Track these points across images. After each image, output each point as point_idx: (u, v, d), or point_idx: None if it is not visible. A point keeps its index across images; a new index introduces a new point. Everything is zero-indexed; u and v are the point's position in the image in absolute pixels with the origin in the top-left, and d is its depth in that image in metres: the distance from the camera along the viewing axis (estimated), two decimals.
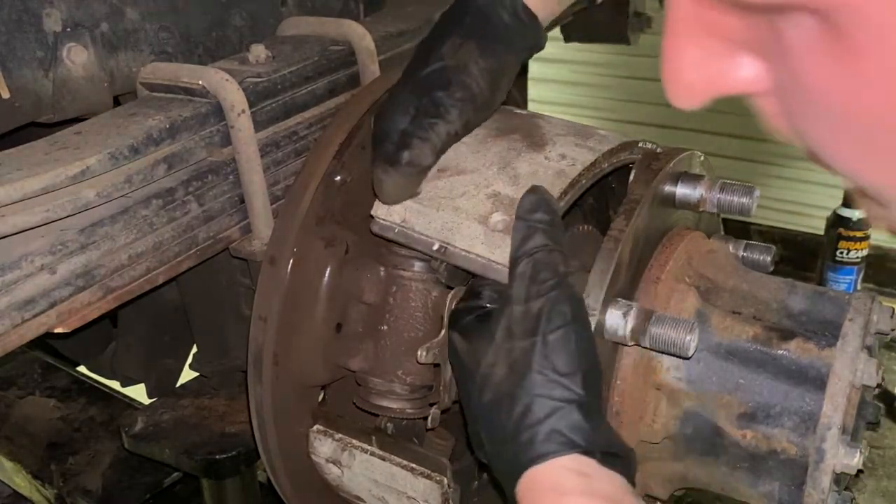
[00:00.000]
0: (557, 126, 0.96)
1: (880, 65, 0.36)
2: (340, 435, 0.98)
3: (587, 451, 0.73)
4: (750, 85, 0.47)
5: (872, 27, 0.36)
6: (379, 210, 0.90)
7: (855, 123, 0.40)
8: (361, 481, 0.97)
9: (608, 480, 0.73)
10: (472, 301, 0.84)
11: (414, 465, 0.93)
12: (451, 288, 0.91)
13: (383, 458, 0.95)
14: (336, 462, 0.98)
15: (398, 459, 0.94)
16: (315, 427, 1.00)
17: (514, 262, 0.80)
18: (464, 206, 0.86)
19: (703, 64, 0.47)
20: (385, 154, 0.88)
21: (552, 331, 0.76)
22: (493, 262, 0.83)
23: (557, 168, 0.89)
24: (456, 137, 0.90)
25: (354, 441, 0.97)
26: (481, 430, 0.80)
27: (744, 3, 0.43)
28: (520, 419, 0.75)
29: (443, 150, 0.89)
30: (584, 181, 0.88)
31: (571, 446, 0.73)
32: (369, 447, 0.96)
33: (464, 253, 0.85)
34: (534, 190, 0.83)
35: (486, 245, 0.84)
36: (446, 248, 0.86)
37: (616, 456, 0.75)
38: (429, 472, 0.92)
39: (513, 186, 0.87)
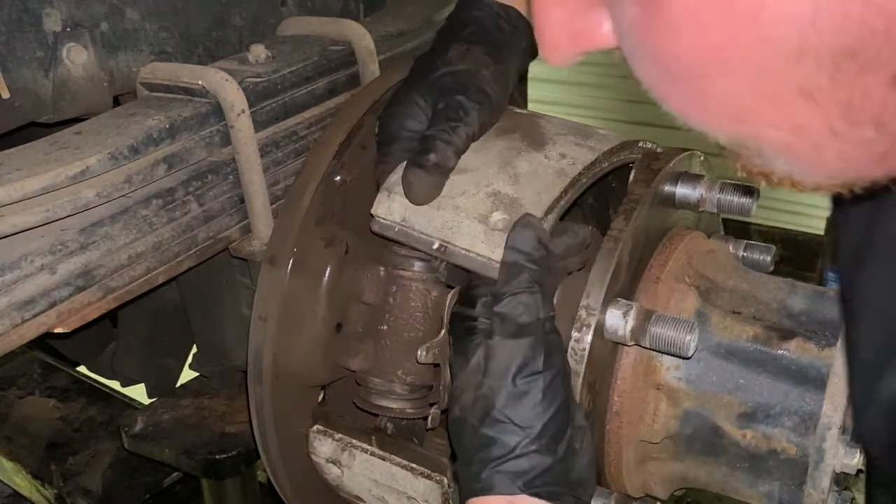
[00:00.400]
0: (557, 125, 0.96)
1: (675, 14, 0.44)
2: (340, 435, 0.98)
3: (534, 494, 0.75)
4: (610, 39, 0.51)
5: None
6: (379, 209, 0.90)
7: (666, 66, 0.48)
8: (361, 481, 0.97)
9: None
10: (466, 308, 0.83)
11: (414, 465, 0.93)
12: (452, 287, 0.91)
13: (383, 458, 0.95)
14: (336, 462, 0.98)
15: (398, 459, 0.94)
16: (315, 427, 1.00)
17: (497, 297, 0.79)
18: (464, 205, 0.86)
19: (568, 22, 0.52)
20: (411, 157, 0.88)
21: (521, 380, 0.76)
22: (494, 260, 0.83)
23: (557, 167, 0.89)
24: (474, 139, 0.91)
25: (354, 441, 0.97)
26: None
27: None
28: (475, 450, 0.77)
29: (463, 152, 0.90)
30: (584, 180, 0.88)
31: (518, 488, 0.75)
32: (369, 447, 0.96)
33: (464, 252, 0.85)
34: (527, 223, 0.82)
35: (486, 244, 0.84)
36: (446, 246, 0.86)
37: (568, 495, 0.77)
38: (429, 471, 0.92)
39: (513, 185, 0.87)
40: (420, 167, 0.87)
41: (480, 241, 0.84)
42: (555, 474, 0.76)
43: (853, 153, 0.48)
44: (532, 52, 0.98)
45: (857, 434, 0.82)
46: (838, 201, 0.54)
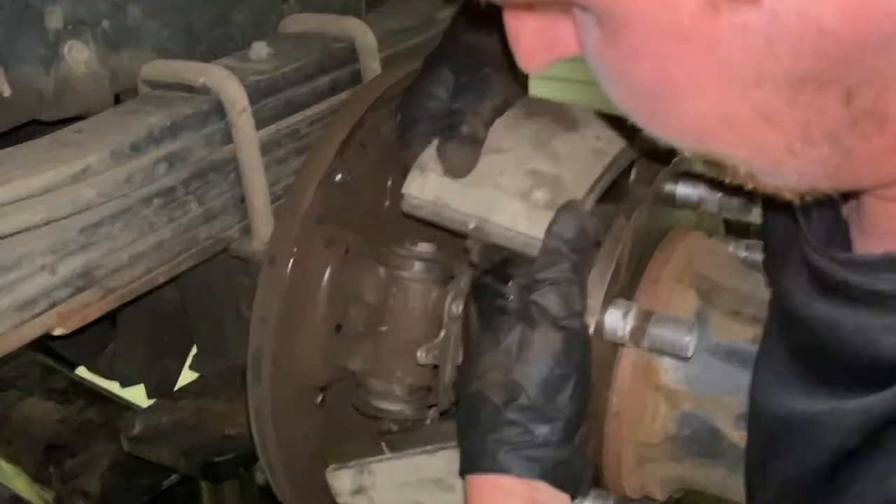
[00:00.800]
0: (584, 111, 0.95)
1: (634, 44, 0.46)
2: (353, 462, 0.97)
3: (547, 480, 0.76)
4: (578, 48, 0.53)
5: (617, 18, 0.45)
6: (412, 187, 0.88)
7: (627, 87, 0.50)
8: (389, 493, 0.96)
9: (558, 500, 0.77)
10: (498, 284, 0.81)
11: (427, 447, 0.92)
12: (450, 291, 0.91)
13: (399, 458, 0.93)
14: (360, 490, 0.96)
15: (411, 451, 0.93)
16: (329, 468, 0.98)
17: (535, 283, 0.78)
18: (503, 183, 0.84)
19: (540, 31, 0.53)
20: (442, 132, 0.88)
21: (556, 372, 0.76)
22: (537, 238, 0.81)
23: (595, 147, 0.88)
24: (499, 112, 0.90)
25: (368, 458, 0.96)
26: (461, 396, 0.83)
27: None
28: (493, 428, 0.77)
29: (490, 125, 0.89)
30: (621, 161, 0.87)
31: (538, 475, 0.76)
32: (383, 456, 0.95)
33: (503, 230, 0.83)
34: (572, 209, 0.81)
35: (528, 221, 0.81)
36: (484, 225, 0.84)
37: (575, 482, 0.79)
38: (442, 444, 0.91)
39: (552, 164, 0.85)
40: (454, 140, 0.86)
41: (523, 219, 0.82)
42: (568, 467, 0.77)
43: (810, 169, 0.50)
44: None
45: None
46: (769, 204, 0.56)
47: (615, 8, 0.45)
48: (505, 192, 0.84)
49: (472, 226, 0.85)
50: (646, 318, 0.82)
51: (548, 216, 0.81)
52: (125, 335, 1.49)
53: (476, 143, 0.87)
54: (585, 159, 0.86)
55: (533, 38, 0.54)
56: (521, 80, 0.93)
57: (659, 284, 0.90)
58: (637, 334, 0.82)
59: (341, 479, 0.98)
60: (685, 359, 0.84)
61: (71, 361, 1.87)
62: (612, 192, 0.93)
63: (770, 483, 0.71)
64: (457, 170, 0.86)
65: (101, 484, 1.65)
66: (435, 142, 0.88)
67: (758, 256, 0.99)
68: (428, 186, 0.87)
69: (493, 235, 0.84)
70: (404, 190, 0.88)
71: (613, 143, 0.88)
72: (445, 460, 0.90)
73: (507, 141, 0.88)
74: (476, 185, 0.85)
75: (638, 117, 0.52)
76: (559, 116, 0.93)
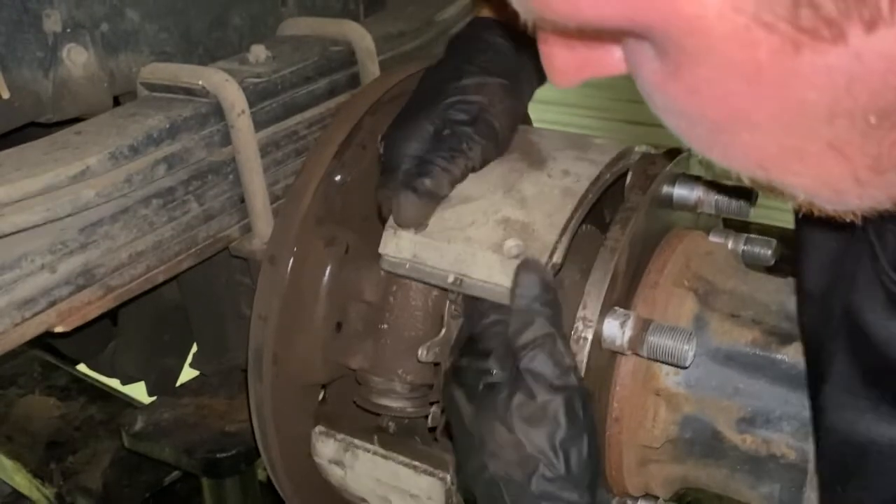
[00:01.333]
0: (552, 140, 0.96)
1: (699, 80, 0.44)
2: (342, 436, 0.98)
3: None
4: (617, 68, 0.51)
5: (685, 52, 0.43)
6: (387, 247, 0.89)
7: (688, 119, 0.48)
8: (364, 481, 0.97)
9: None
10: (478, 361, 0.80)
11: (416, 463, 0.93)
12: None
13: (385, 458, 0.95)
14: (338, 463, 0.98)
15: (400, 458, 0.94)
16: (317, 428, 1.00)
17: (518, 350, 0.77)
18: (475, 236, 0.85)
19: (575, 49, 0.51)
20: (404, 178, 0.87)
21: (567, 435, 0.75)
22: None
23: (563, 186, 0.88)
24: (472, 172, 0.90)
25: (356, 441, 0.97)
26: (474, 488, 0.80)
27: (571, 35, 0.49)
28: None
29: (458, 183, 0.89)
30: (590, 196, 0.88)
31: None
32: (371, 447, 0.96)
33: (482, 283, 0.84)
34: (527, 267, 0.80)
35: (503, 273, 0.82)
36: (462, 279, 0.85)
37: None
38: (431, 468, 0.92)
39: (522, 209, 0.86)
40: (413, 191, 0.85)
41: (498, 271, 0.83)
42: None
43: (874, 194, 0.49)
44: (541, 78, 0.95)
45: None
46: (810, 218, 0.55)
47: (684, 42, 0.43)
48: (478, 245, 0.84)
49: (450, 280, 0.85)
50: (644, 326, 0.82)
51: None
52: (126, 333, 1.49)
53: (433, 199, 0.86)
54: (554, 201, 0.86)
55: (568, 57, 0.52)
56: (511, 135, 0.92)
57: (657, 290, 0.90)
58: (635, 343, 0.82)
59: (325, 445, 0.99)
60: (684, 367, 0.84)
61: (72, 358, 1.88)
62: (608, 195, 0.94)
63: None
64: (406, 221, 0.86)
65: (102, 480, 1.66)
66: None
67: (757, 250, 1.00)
68: (402, 245, 0.88)
69: (472, 288, 0.84)
70: (381, 250, 0.89)
71: (582, 179, 0.88)
72: (428, 484, 0.92)
73: (475, 189, 0.89)
74: (449, 241, 0.86)
75: (696, 145, 0.50)
76: (527, 151, 0.93)
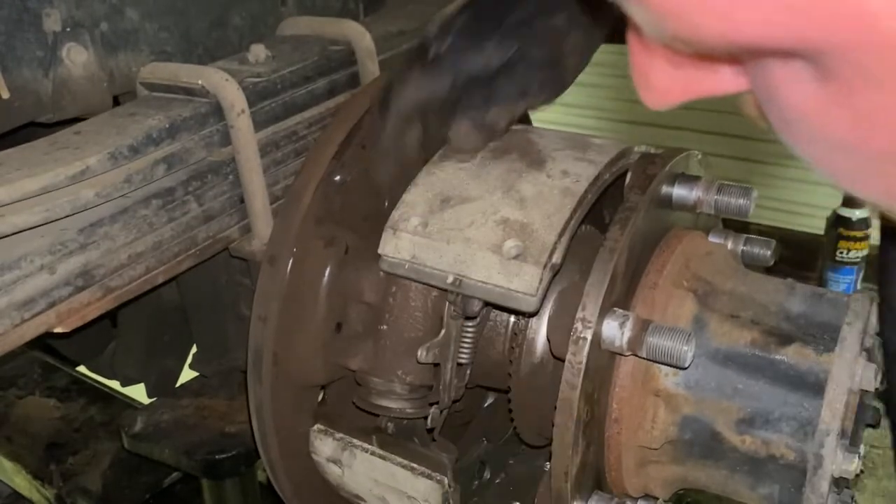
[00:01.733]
0: (551, 140, 0.96)
1: (872, 107, 0.38)
2: (341, 434, 0.98)
3: None
4: (728, 86, 0.44)
5: (864, 76, 0.37)
6: (386, 248, 0.89)
7: (844, 148, 0.41)
8: (362, 481, 0.97)
9: None
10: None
11: (414, 465, 0.93)
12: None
13: (384, 458, 0.95)
14: (336, 461, 0.98)
15: (398, 459, 0.94)
16: (315, 426, 1.00)
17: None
18: (474, 236, 0.85)
19: (683, 67, 0.44)
20: (468, 102, 0.85)
21: None
22: (513, 290, 0.83)
23: (562, 186, 0.88)
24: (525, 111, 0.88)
25: (355, 440, 0.97)
26: None
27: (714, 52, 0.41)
28: None
29: (514, 122, 0.87)
30: (590, 196, 0.88)
31: None
32: (370, 446, 0.96)
33: (481, 284, 0.84)
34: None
35: (503, 274, 0.83)
36: (461, 280, 0.85)
37: None
38: (429, 471, 0.92)
39: (521, 210, 0.86)
40: (474, 121, 0.84)
41: (497, 272, 0.83)
42: None
43: None
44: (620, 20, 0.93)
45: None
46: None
47: (870, 64, 0.37)
48: (477, 245, 0.85)
49: (450, 281, 0.86)
50: (643, 327, 0.82)
51: (522, 267, 0.82)
52: (126, 334, 1.49)
53: (493, 134, 0.85)
54: (553, 201, 0.87)
55: (673, 75, 0.45)
56: (572, 78, 0.89)
57: (656, 290, 0.89)
58: (634, 344, 0.82)
59: (322, 443, 0.99)
60: (683, 368, 0.84)
61: (72, 360, 1.88)
62: (608, 195, 0.94)
63: None
64: (459, 148, 0.86)
65: (102, 481, 1.66)
66: (404, 198, 0.88)
67: (757, 251, 0.99)
68: (402, 246, 0.88)
69: (471, 289, 0.85)
70: (380, 250, 0.90)
71: (581, 179, 0.89)
72: (425, 487, 0.92)
73: (473, 189, 0.89)
74: (448, 241, 0.86)
75: (845, 177, 0.44)
76: (526, 151, 0.93)
